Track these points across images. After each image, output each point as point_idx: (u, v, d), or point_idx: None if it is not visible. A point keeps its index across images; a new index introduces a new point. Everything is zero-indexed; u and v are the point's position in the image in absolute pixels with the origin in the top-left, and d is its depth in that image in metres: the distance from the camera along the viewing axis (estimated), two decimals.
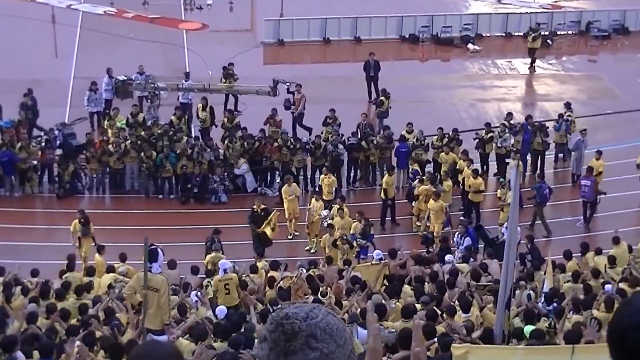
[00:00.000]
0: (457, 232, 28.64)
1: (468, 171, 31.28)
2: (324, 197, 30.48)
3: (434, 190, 30.17)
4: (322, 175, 31.60)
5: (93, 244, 27.32)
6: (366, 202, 32.28)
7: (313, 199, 30.25)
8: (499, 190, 30.68)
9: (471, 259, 25.79)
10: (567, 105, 36.26)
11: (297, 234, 30.62)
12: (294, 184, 30.93)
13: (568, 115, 35.25)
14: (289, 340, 3.60)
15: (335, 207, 29.28)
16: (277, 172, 33.58)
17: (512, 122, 34.65)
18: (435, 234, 29.59)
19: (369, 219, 29.35)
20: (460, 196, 31.82)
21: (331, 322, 3.69)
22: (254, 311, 20.78)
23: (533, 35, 43.93)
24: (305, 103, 35.91)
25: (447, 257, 25.99)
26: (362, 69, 40.14)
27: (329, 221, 28.40)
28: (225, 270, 23.20)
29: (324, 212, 29.19)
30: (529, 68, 44.62)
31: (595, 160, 31.87)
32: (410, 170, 32.45)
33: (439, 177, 31.74)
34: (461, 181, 31.68)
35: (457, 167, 32.10)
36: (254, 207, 28.86)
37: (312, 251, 29.69)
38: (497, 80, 43.86)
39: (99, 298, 21.18)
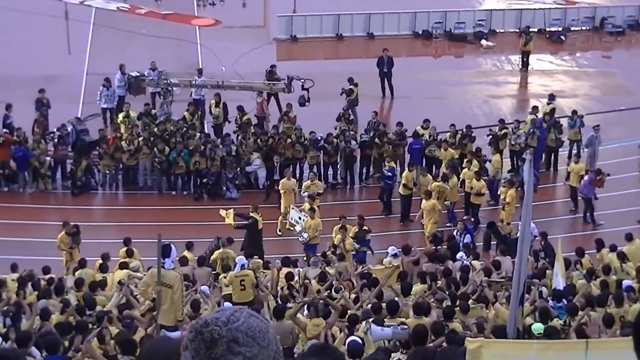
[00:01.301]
0: (456, 230, 28.56)
1: (469, 173, 31.03)
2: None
3: (426, 189, 29.96)
4: (308, 182, 30.86)
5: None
6: (378, 199, 32.15)
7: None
8: (500, 189, 30.47)
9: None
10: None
11: (279, 233, 30.15)
12: (293, 179, 30.89)
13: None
14: (209, 348, 3.58)
15: (306, 205, 29.13)
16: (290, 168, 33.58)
17: (537, 115, 34.46)
18: (427, 234, 29.14)
19: (387, 213, 29.32)
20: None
21: (253, 325, 3.66)
22: (267, 308, 20.80)
23: (525, 38, 43.43)
24: (266, 106, 36.07)
25: (459, 255, 25.97)
26: (375, 65, 40.08)
27: (304, 236, 28.04)
28: (242, 266, 23.24)
29: (298, 228, 28.63)
30: (520, 70, 43.98)
31: (574, 164, 31.63)
32: (387, 168, 31.81)
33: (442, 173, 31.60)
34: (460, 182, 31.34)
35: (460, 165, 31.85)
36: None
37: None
38: (510, 77, 43.75)
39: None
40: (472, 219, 30.31)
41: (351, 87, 37.22)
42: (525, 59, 43.82)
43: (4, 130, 32.31)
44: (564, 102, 39.91)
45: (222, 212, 28.09)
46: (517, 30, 48.11)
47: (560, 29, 48.50)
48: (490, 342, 13.06)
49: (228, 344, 3.58)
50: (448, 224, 30.57)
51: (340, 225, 27.46)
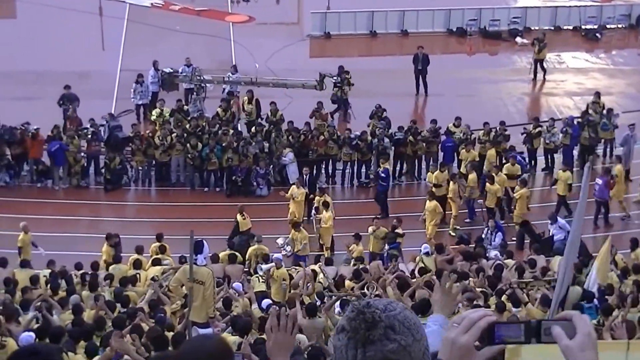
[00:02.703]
0: (487, 229, 28.33)
1: (505, 172, 30.82)
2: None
3: (429, 190, 29.75)
4: (317, 198, 29.79)
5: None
6: (411, 197, 32.06)
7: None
8: (517, 187, 30.18)
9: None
10: (597, 95, 35.92)
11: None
12: (302, 188, 30.20)
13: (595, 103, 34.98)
14: (369, 329, 3.57)
15: (318, 199, 28.97)
16: (323, 165, 33.55)
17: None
18: (428, 236, 28.74)
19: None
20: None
21: (409, 316, 3.66)
22: (299, 305, 20.74)
23: (539, 45, 41.70)
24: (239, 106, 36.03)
25: (494, 253, 25.85)
26: (409, 63, 39.90)
27: (287, 249, 27.30)
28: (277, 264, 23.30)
29: (280, 241, 27.62)
30: (532, 80, 42.16)
31: (562, 172, 30.87)
32: (381, 170, 31.31)
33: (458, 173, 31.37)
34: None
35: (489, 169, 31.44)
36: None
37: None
38: (545, 74, 43.37)
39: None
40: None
41: (343, 74, 37.36)
42: (539, 66, 42.13)
43: (35, 127, 32.37)
44: None
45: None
46: (552, 28, 47.87)
47: (595, 26, 48.15)
48: None
49: (385, 329, 3.57)
50: (468, 220, 30.48)
51: (354, 234, 27.11)
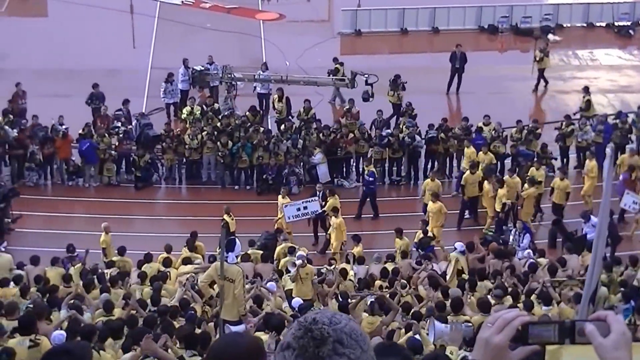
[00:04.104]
0: (515, 230, 28.11)
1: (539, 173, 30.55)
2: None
3: (434, 192, 29.33)
4: (280, 196, 29.52)
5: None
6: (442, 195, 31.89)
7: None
8: (525, 185, 29.90)
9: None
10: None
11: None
12: (287, 197, 29.71)
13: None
14: (318, 346, 3.47)
15: (331, 202, 28.51)
16: (353, 163, 33.47)
17: None
18: (436, 238, 28.34)
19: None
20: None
21: (355, 328, 3.57)
22: (331, 303, 20.73)
23: (541, 55, 40.15)
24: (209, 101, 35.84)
25: (526, 252, 25.73)
26: (439, 60, 39.76)
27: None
28: (303, 261, 23.26)
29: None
30: (533, 91, 40.60)
31: (559, 180, 30.06)
32: (367, 173, 30.98)
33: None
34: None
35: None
36: None
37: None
38: (577, 72, 43.12)
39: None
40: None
41: (337, 66, 37.48)
42: (540, 78, 40.48)
43: (65, 127, 32.47)
44: (631, 97, 39.30)
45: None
46: (585, 25, 47.56)
47: (628, 23, 47.75)
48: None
49: (334, 344, 3.48)
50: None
51: (352, 235, 27.24)
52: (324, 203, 28.82)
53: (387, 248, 27.18)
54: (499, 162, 32.33)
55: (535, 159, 31.50)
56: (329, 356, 3.45)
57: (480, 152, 31.84)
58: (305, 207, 28.52)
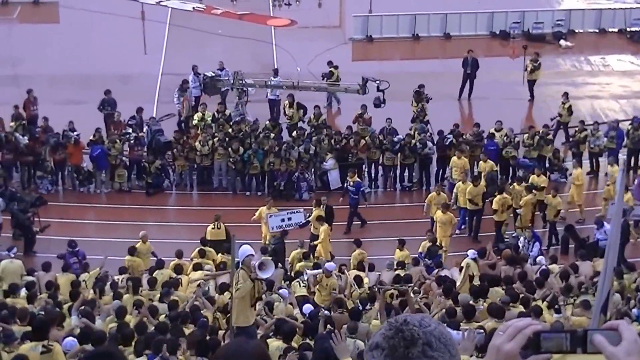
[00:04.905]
0: (524, 239, 27.96)
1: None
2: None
3: (443, 202, 29.08)
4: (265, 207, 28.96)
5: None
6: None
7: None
8: (523, 192, 29.66)
9: None
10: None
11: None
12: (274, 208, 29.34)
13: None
14: (408, 347, 3.49)
15: (315, 213, 28.38)
16: (365, 169, 33.40)
17: None
18: (444, 248, 28.10)
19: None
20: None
21: (444, 332, 3.58)
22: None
23: (533, 65, 39.36)
24: (188, 106, 35.82)
25: (539, 259, 25.62)
26: (451, 66, 39.69)
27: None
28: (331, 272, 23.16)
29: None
30: (529, 101, 39.80)
31: (552, 197, 29.73)
32: (349, 183, 30.66)
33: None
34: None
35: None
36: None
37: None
38: (589, 77, 42.99)
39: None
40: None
41: (331, 69, 37.48)
42: (531, 90, 39.78)
43: (77, 133, 32.49)
44: None
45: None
46: (597, 31, 47.44)
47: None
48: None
49: (423, 346, 3.50)
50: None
51: (354, 240, 27.33)
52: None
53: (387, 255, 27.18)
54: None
55: (536, 166, 31.39)
56: (417, 358, 3.48)
57: (481, 162, 31.74)
58: (289, 218, 28.34)
